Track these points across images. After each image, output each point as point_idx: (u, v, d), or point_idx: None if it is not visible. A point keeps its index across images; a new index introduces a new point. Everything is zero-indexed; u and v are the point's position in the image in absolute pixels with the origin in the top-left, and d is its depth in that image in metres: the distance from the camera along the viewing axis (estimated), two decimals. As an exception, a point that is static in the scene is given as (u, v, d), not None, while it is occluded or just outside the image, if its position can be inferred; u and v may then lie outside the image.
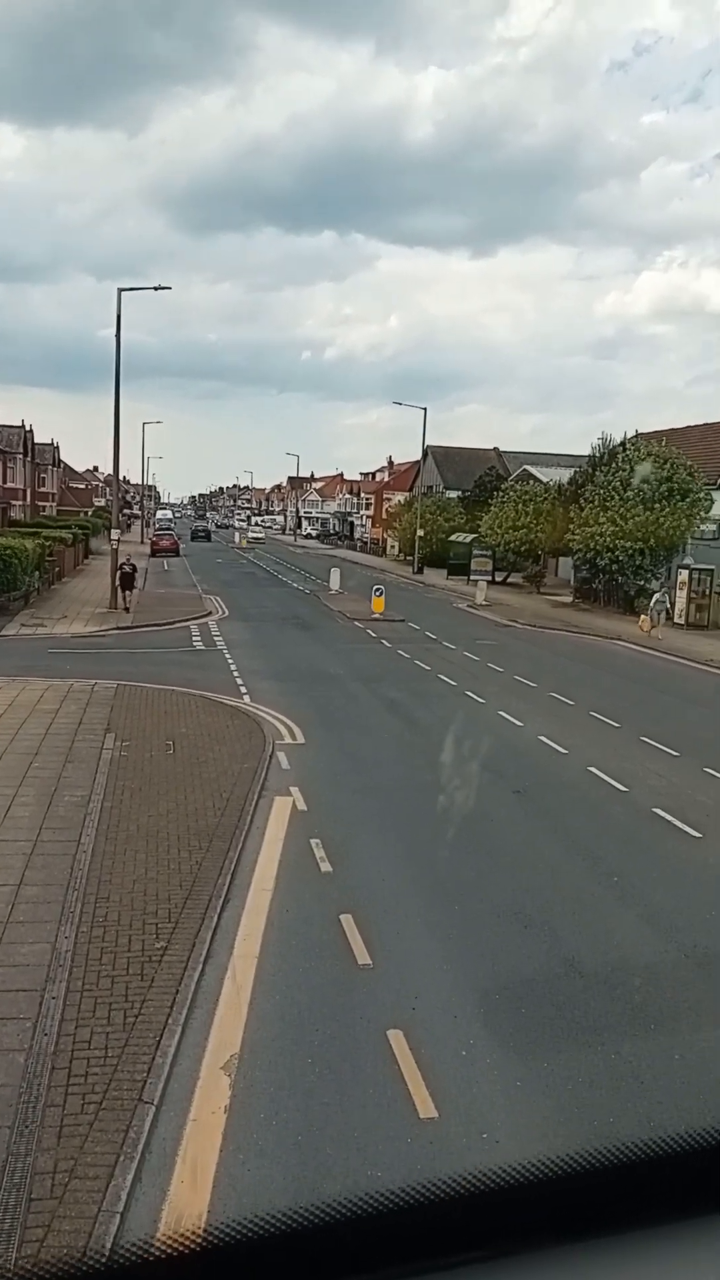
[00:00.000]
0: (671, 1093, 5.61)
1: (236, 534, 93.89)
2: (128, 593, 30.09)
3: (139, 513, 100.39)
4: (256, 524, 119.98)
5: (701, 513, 35.44)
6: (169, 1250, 0.99)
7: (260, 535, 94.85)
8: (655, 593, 32.18)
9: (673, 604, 34.41)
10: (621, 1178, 1.17)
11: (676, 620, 33.81)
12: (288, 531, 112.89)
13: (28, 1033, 5.92)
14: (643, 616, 30.82)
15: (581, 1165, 1.14)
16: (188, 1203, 4.62)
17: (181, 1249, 1.00)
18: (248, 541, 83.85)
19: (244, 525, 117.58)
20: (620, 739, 15.36)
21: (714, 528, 36.88)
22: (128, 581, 30.26)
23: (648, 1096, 5.57)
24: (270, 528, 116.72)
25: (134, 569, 31.12)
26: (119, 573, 30.28)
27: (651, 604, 31.08)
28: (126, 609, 29.25)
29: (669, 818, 11.16)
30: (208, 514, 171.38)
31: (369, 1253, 1.06)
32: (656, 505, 34.72)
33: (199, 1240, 1.00)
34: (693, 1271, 1.10)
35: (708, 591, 34.20)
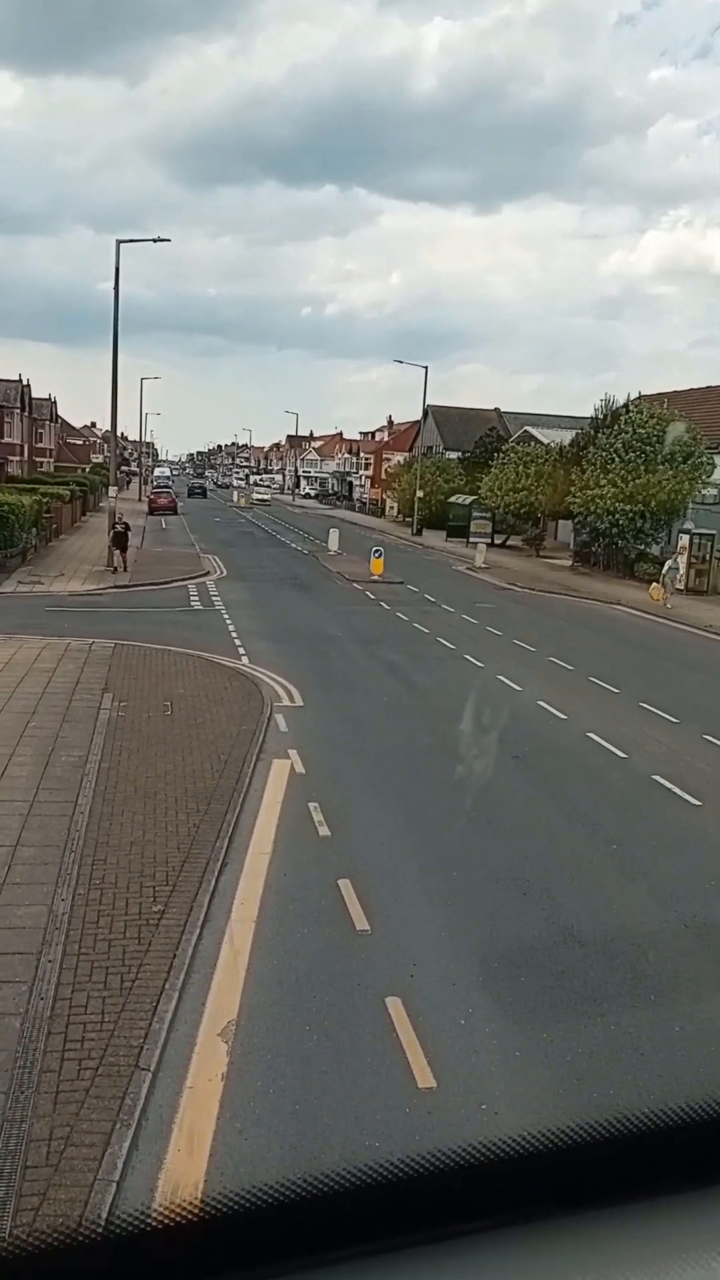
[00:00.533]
0: (671, 1065, 5.58)
1: (235, 493, 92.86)
2: (121, 552, 29.48)
3: (137, 470, 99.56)
4: (259, 483, 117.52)
5: (703, 476, 35.17)
6: (166, 1220, 0.98)
7: (266, 496, 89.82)
8: (667, 560, 31.92)
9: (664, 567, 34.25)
10: (622, 1149, 1.16)
11: (677, 586, 33.68)
12: (286, 491, 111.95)
13: (23, 997, 5.87)
14: (654, 584, 30.57)
15: (582, 1137, 1.13)
16: (184, 1171, 4.59)
17: (179, 1219, 0.99)
18: (249, 502, 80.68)
19: (242, 484, 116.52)
20: (619, 705, 15.30)
21: (715, 492, 36.61)
22: (120, 541, 29.56)
23: (647, 1068, 5.54)
24: (270, 487, 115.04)
25: (127, 528, 30.31)
26: (112, 531, 29.67)
27: (664, 571, 30.82)
28: (121, 569, 28.69)
29: (668, 785, 11.11)
30: (206, 472, 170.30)
31: (367, 1222, 1.05)
32: (659, 468, 34.42)
33: (196, 1210, 0.99)
34: (693, 1241, 1.09)
35: (708, 557, 34.04)
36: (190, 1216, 0.99)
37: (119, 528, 29.64)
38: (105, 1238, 0.98)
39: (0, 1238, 0.94)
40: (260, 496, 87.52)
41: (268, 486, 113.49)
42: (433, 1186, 1.09)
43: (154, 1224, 0.98)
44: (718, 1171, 1.14)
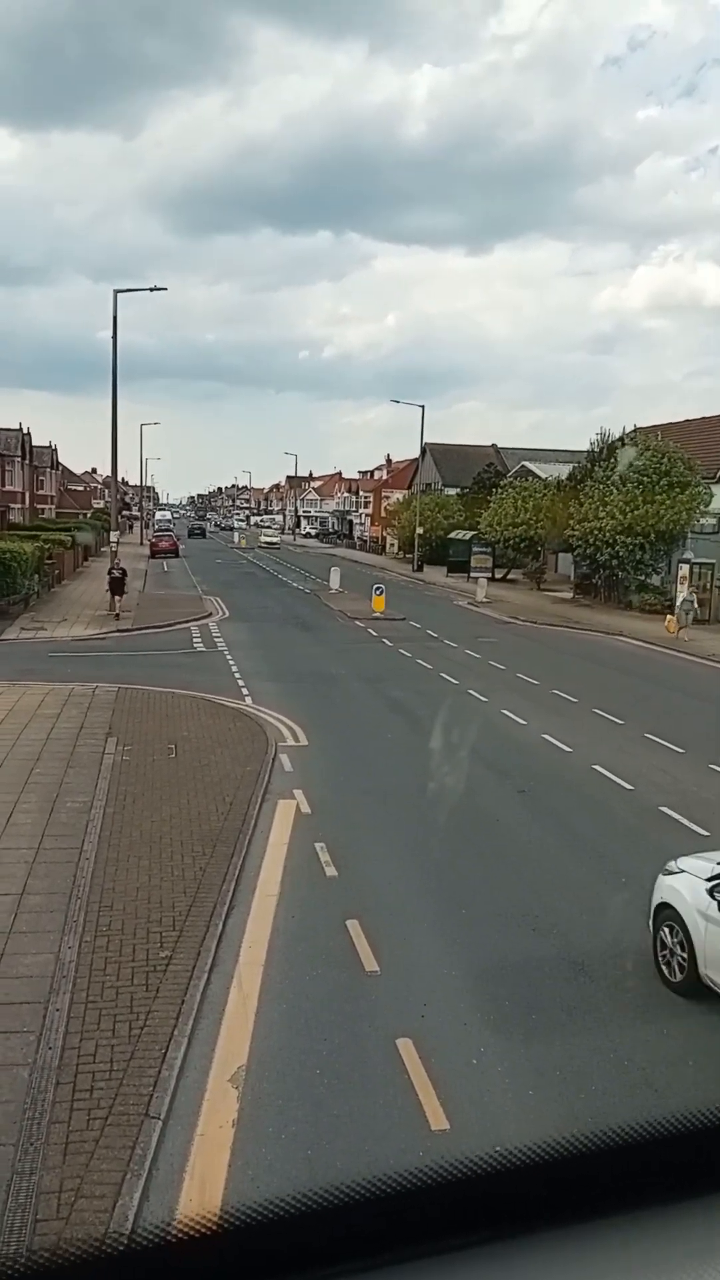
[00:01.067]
0: (686, 1100, 5.52)
1: (235, 534, 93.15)
2: (118, 597, 29.54)
3: (138, 514, 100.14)
4: (261, 524, 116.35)
5: (701, 505, 35.36)
6: (178, 1235, 1.01)
7: (275, 540, 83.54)
8: (682, 593, 31.98)
9: (677, 599, 34.30)
10: (621, 1159, 1.17)
11: (691, 618, 33.73)
12: (287, 531, 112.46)
13: (31, 1046, 5.83)
14: (669, 617, 30.57)
15: (582, 1148, 1.15)
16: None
17: (188, 1235, 1.01)
18: (262, 545, 76.48)
19: (244, 525, 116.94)
20: (624, 736, 15.27)
21: (714, 521, 36.78)
22: (118, 586, 29.74)
23: (662, 1104, 5.48)
24: (270, 527, 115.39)
25: (124, 573, 30.57)
26: (109, 577, 30.01)
27: (679, 604, 30.89)
28: (119, 615, 28.56)
29: (676, 815, 11.07)
30: (208, 515, 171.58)
31: (372, 1235, 1.07)
32: (656, 499, 34.63)
33: (202, 1226, 1.02)
34: (691, 1249, 1.10)
35: (708, 586, 34.12)
36: (197, 1233, 1.01)
37: (115, 573, 29.98)
38: (126, 1252, 1.01)
39: (16, 1255, 0.96)
40: (269, 540, 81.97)
41: (271, 527, 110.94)
42: (435, 1199, 1.11)
43: (171, 1237, 1.01)
44: (712, 1181, 1.16)
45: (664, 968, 7.06)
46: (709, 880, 6.76)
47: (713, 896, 6.63)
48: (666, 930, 7.10)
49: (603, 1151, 1.16)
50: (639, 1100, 5.54)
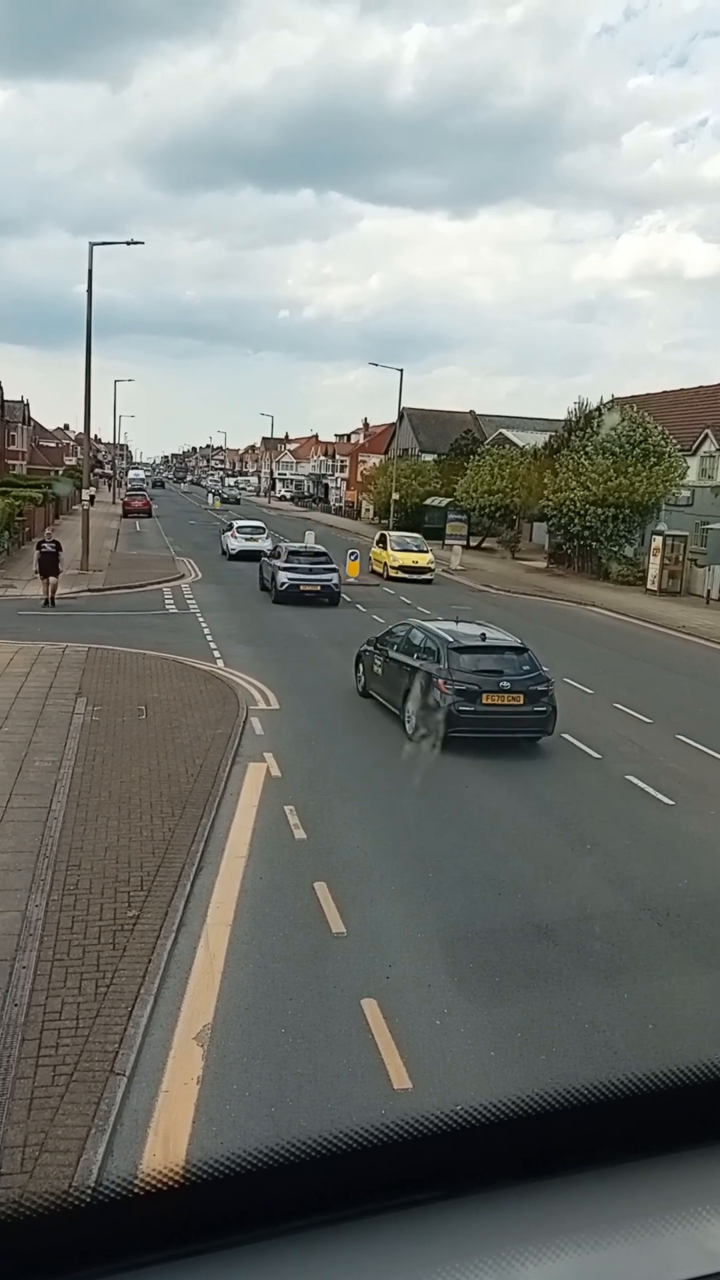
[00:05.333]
0: (645, 1060, 5.62)
1: (210, 495, 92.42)
2: (51, 579, 22.71)
3: (110, 473, 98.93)
4: (236, 485, 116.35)
5: (676, 477, 35.48)
6: (142, 1189, 1.01)
7: (235, 497, 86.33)
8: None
9: (645, 570, 34.53)
10: (578, 1119, 1.20)
11: (650, 586, 33.95)
12: (262, 493, 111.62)
13: (-3, 1003, 5.83)
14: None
15: (541, 1107, 1.17)
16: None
17: (152, 1188, 1.02)
18: (222, 503, 79.64)
19: (218, 485, 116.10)
20: (594, 706, 15.39)
21: (688, 494, 36.95)
22: (49, 566, 22.71)
23: (621, 1065, 5.58)
24: (244, 489, 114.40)
25: (58, 547, 23.49)
26: (38, 552, 23.36)
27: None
28: (51, 600, 22.60)
29: (642, 785, 11.21)
30: (187, 477, 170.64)
31: (331, 1193, 1.08)
32: (630, 470, 34.69)
33: (166, 1181, 1.02)
34: (647, 1208, 1.12)
35: (680, 558, 34.34)
36: (164, 1185, 1.02)
37: (48, 547, 23.15)
38: (89, 1204, 1.00)
39: None
40: (229, 496, 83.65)
41: (240, 488, 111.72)
42: (398, 1156, 1.12)
43: (135, 1191, 1.01)
44: (667, 1141, 1.19)
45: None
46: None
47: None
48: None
49: (561, 1111, 1.17)
50: (599, 1062, 5.64)
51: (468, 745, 12.06)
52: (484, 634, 13.36)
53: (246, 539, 35.96)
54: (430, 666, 12.50)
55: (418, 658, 12.94)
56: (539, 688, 12.31)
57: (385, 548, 34.44)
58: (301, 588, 25.41)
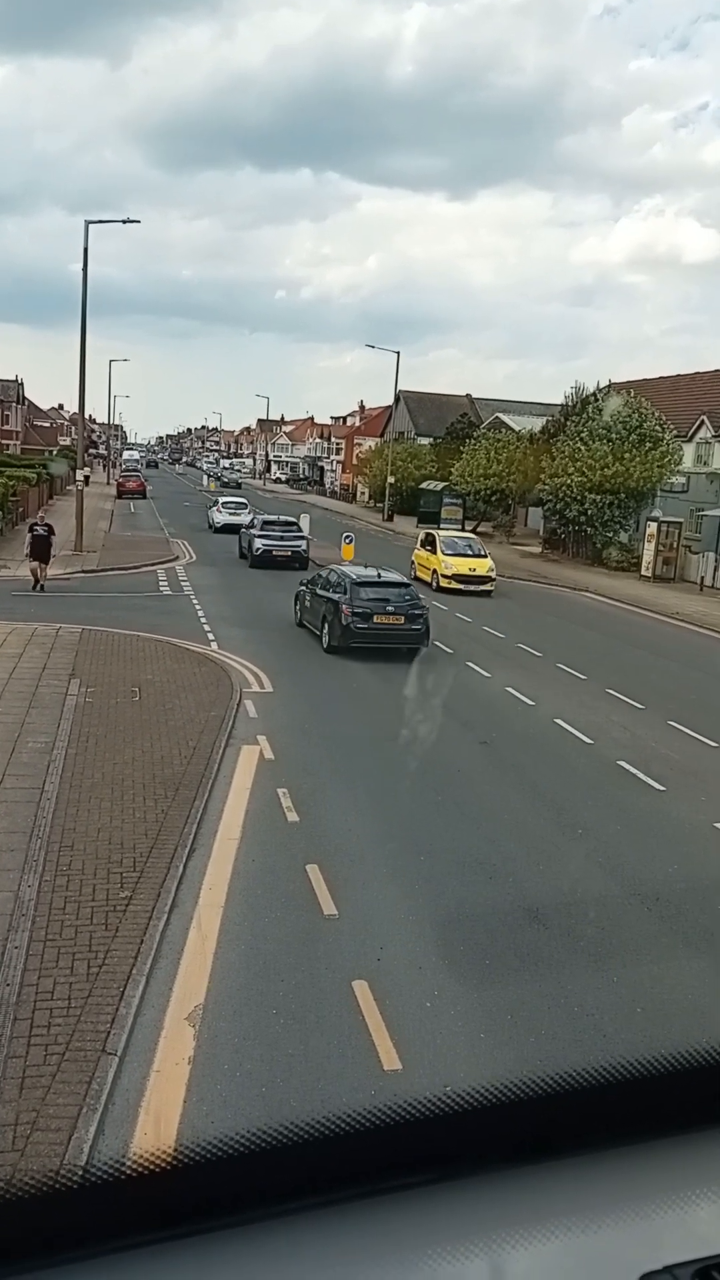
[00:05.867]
0: (634, 1045, 5.67)
1: (205, 478, 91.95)
2: (41, 565, 21.73)
3: (104, 453, 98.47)
4: (231, 467, 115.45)
5: (672, 464, 35.46)
6: (134, 1169, 1.02)
7: (234, 480, 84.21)
8: None
9: (640, 556, 34.51)
10: (568, 1102, 1.20)
11: (644, 572, 33.98)
12: (257, 475, 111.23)
13: (-11, 983, 5.85)
14: None
15: (531, 1091, 1.17)
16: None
17: (144, 1168, 1.02)
18: (218, 486, 78.79)
19: (213, 466, 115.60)
20: (587, 691, 15.43)
21: (683, 480, 36.95)
22: (40, 550, 21.63)
23: (610, 1048, 5.63)
24: (239, 471, 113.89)
25: (50, 531, 22.21)
26: (30, 535, 22.19)
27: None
28: (40, 586, 21.67)
29: (633, 770, 11.25)
30: (182, 457, 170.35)
31: (321, 1175, 1.09)
32: (626, 455, 34.65)
33: (157, 1161, 1.03)
34: (638, 1191, 1.13)
35: (674, 544, 34.36)
36: (155, 1164, 1.03)
37: (40, 530, 21.86)
38: (81, 1185, 1.01)
39: None
40: (224, 480, 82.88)
41: (240, 471, 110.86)
42: (388, 1138, 1.13)
43: (126, 1171, 1.01)
44: (656, 1125, 1.21)
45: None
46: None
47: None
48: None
49: (552, 1095, 1.18)
50: (588, 1046, 5.68)
51: (460, 728, 12.07)
52: (379, 573, 18.13)
53: (230, 514, 39.64)
54: (338, 596, 16.84)
55: (333, 592, 17.17)
56: (416, 612, 16.89)
57: (434, 551, 27.36)
58: (274, 552, 28.77)
